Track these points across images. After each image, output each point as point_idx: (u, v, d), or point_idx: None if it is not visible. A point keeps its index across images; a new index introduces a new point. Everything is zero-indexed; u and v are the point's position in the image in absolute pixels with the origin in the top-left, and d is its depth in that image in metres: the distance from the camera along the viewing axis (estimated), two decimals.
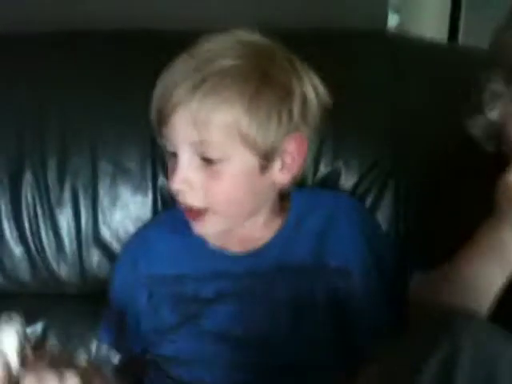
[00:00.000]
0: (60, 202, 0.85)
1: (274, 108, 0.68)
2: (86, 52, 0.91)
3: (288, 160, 0.72)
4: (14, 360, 0.52)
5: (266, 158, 0.70)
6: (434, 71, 0.89)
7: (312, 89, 0.72)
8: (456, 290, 0.65)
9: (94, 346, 0.88)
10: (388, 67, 0.89)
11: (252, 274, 0.74)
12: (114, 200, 0.86)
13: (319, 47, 0.87)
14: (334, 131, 0.85)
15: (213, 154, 0.68)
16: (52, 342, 0.89)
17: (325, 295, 0.72)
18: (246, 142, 0.68)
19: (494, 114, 0.67)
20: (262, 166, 0.70)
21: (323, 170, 0.85)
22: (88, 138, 0.86)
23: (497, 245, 0.63)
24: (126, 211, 0.86)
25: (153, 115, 0.71)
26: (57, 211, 0.86)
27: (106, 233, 0.86)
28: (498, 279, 0.63)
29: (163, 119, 0.69)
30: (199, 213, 0.71)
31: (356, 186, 0.85)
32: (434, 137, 0.84)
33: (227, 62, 0.67)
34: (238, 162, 0.69)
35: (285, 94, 0.69)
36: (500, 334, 0.51)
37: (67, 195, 0.85)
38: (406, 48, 0.93)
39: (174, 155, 0.70)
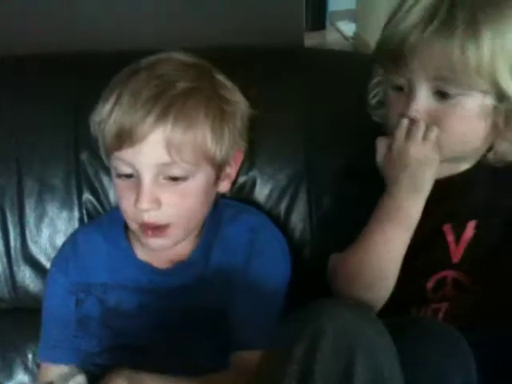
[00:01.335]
0: None
1: (227, 123, 0.74)
2: (9, 74, 0.94)
3: (228, 170, 0.78)
4: None
5: (220, 170, 0.76)
6: (344, 81, 0.94)
7: (243, 103, 0.78)
8: (366, 260, 0.70)
9: (29, 358, 0.92)
10: (302, 80, 0.94)
11: (174, 288, 0.77)
12: (41, 217, 0.89)
13: (236, 64, 0.92)
14: (251, 141, 0.90)
15: (179, 172, 0.71)
16: None
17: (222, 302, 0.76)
18: (208, 157, 0.73)
19: (375, 100, 0.77)
20: (216, 177, 0.76)
21: (240, 179, 0.89)
22: (13, 158, 0.89)
23: (392, 211, 0.70)
24: (53, 227, 0.90)
25: (110, 139, 0.71)
26: None
27: (34, 249, 0.90)
28: (402, 242, 0.70)
29: (129, 143, 0.70)
30: (161, 228, 0.73)
31: (271, 192, 0.90)
32: (341, 143, 0.88)
33: (185, 85, 0.71)
34: (201, 177, 0.73)
35: (232, 110, 0.76)
36: (363, 320, 0.56)
37: None
38: (319, 62, 0.98)
39: (127, 176, 0.72)
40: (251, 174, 0.90)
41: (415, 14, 0.65)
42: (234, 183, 0.86)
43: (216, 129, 0.73)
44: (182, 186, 0.72)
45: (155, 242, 0.75)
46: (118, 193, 0.76)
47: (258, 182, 0.90)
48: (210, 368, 0.72)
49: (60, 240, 0.89)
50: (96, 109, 0.74)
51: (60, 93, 0.91)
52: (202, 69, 0.76)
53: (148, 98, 0.69)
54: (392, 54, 0.68)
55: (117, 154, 0.72)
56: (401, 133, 0.69)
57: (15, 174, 0.89)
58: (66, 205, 0.90)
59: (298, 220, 0.89)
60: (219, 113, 0.74)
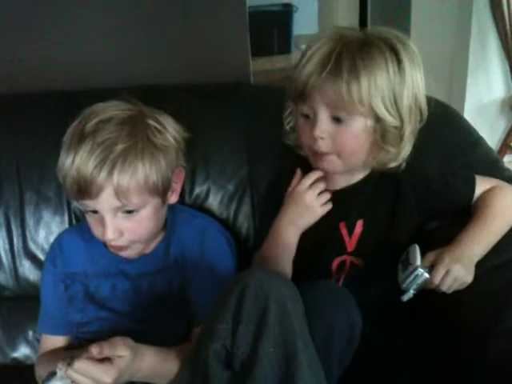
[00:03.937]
0: None
1: (163, 159, 0.92)
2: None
3: (174, 185, 0.99)
4: None
5: (165, 192, 0.95)
6: (275, 112, 1.14)
7: (176, 133, 0.97)
8: (268, 254, 0.96)
9: (30, 334, 1.15)
10: (244, 113, 1.17)
11: (140, 274, 1.00)
12: (38, 221, 1.13)
13: (193, 97, 1.17)
14: (205, 159, 1.14)
15: (131, 208, 0.90)
16: None
17: (180, 286, 0.99)
18: (152, 191, 0.91)
19: (288, 126, 0.99)
20: (164, 198, 0.96)
21: (197, 189, 1.14)
22: (16, 175, 1.13)
23: (275, 231, 0.97)
24: (48, 229, 1.13)
25: (71, 190, 0.90)
26: None
27: (33, 246, 1.13)
28: (294, 240, 0.96)
29: (88, 197, 0.88)
30: (124, 247, 0.95)
31: (222, 198, 1.14)
32: (273, 161, 1.13)
33: (122, 146, 0.88)
34: (150, 205, 0.92)
35: (165, 146, 0.93)
36: (275, 278, 0.79)
37: (1, 220, 1.13)
38: (258, 95, 1.23)
39: (95, 212, 0.91)
40: (206, 184, 1.14)
41: (313, 64, 0.87)
42: (182, 193, 1.08)
43: (152, 170, 0.90)
44: (137, 216, 0.92)
45: (121, 253, 0.98)
46: (89, 223, 0.95)
47: (212, 190, 1.14)
48: (169, 335, 0.95)
49: (53, 239, 1.11)
50: (59, 160, 0.91)
51: (50, 130, 1.12)
52: (135, 121, 0.92)
53: (95, 165, 0.87)
54: (300, 92, 0.90)
55: (81, 201, 0.91)
56: (301, 180, 0.95)
57: (18, 190, 1.13)
58: (58, 211, 1.13)
59: (243, 219, 1.14)
60: (155, 158, 0.91)
